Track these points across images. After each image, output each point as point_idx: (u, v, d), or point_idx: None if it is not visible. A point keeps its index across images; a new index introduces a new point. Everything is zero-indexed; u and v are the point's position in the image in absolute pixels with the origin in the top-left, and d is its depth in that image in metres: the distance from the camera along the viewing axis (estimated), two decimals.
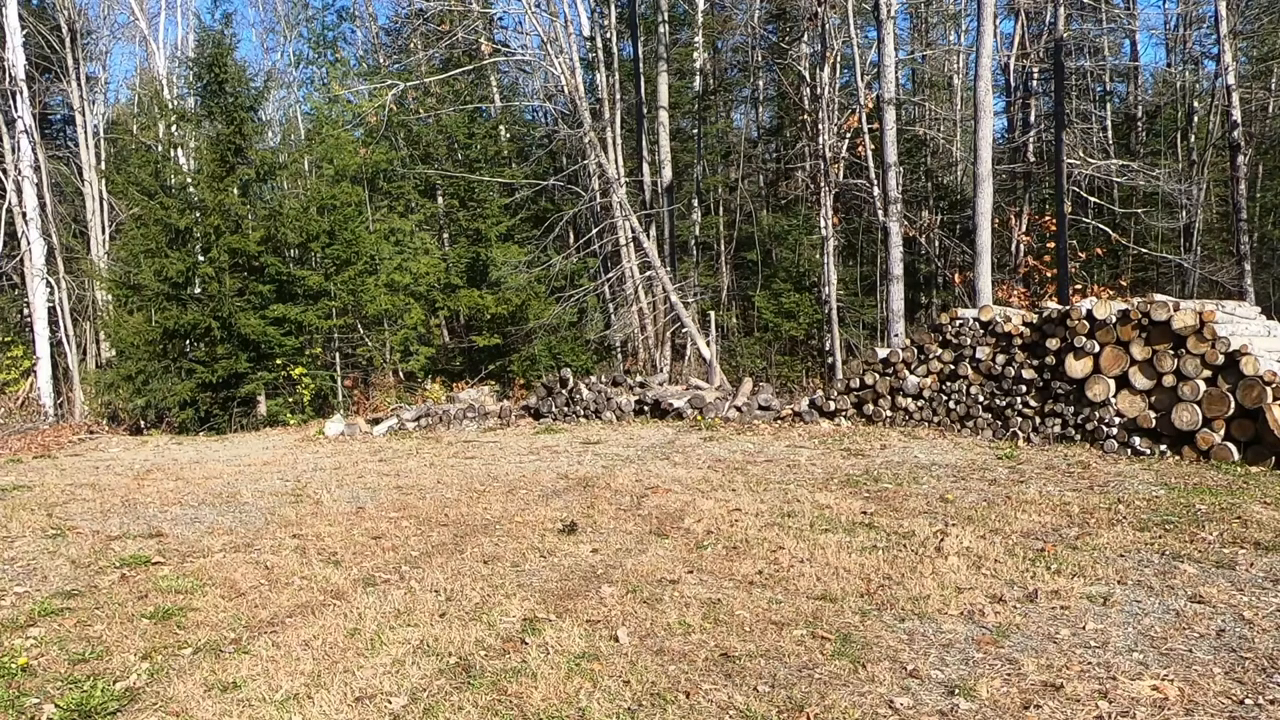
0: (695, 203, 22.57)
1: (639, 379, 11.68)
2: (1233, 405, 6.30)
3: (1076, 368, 7.23)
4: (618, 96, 18.33)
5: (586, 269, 19.18)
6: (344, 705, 2.82)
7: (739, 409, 9.75)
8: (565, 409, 11.00)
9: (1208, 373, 6.51)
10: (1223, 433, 6.38)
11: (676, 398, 10.33)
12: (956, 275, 18.19)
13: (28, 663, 3.23)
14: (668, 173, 18.91)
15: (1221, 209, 20.95)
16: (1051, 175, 17.95)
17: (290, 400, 14.19)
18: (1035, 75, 20.80)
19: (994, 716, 2.60)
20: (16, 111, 17.80)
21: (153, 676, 3.10)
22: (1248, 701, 2.63)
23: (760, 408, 9.73)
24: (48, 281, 18.22)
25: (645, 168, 17.91)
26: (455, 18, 18.27)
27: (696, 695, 2.79)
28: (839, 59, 16.71)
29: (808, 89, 17.44)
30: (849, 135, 16.52)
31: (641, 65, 17.24)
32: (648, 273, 16.30)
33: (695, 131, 22.74)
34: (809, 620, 3.39)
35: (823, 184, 15.50)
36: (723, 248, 22.22)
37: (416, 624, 3.52)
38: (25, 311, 19.66)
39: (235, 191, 13.92)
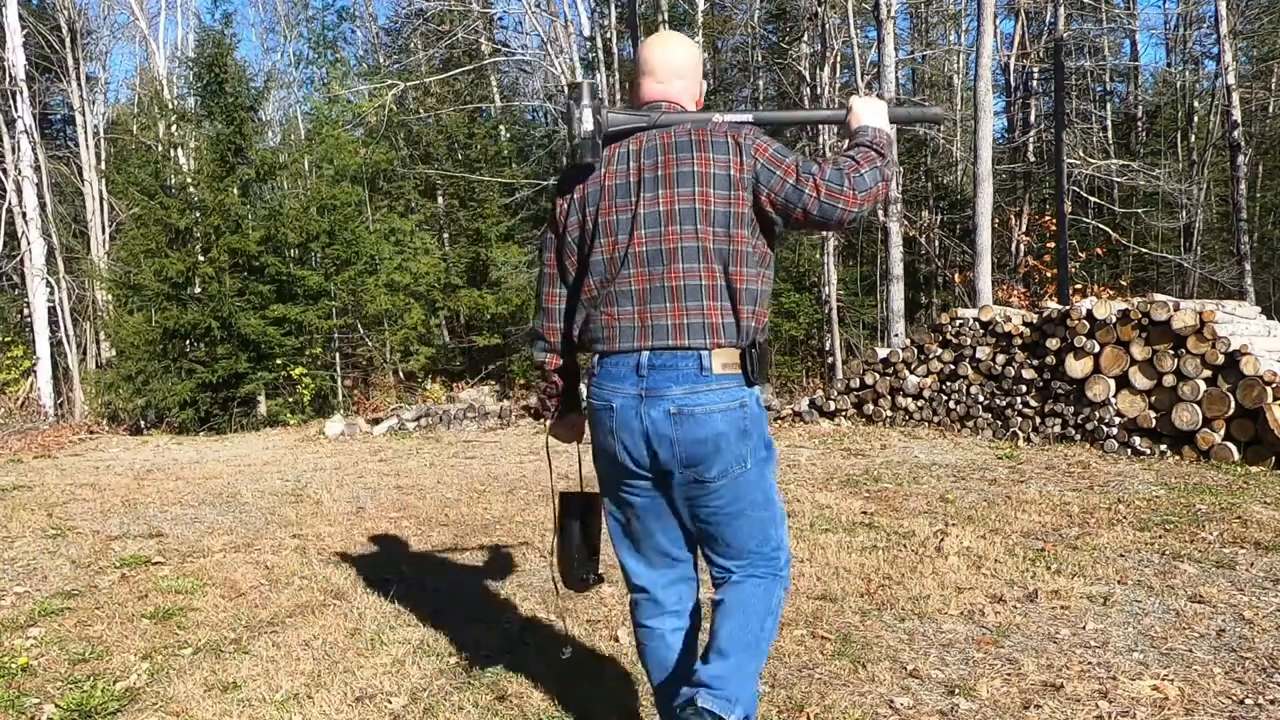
0: None
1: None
2: (1233, 405, 6.31)
3: (1076, 368, 7.23)
4: (618, 97, 18.32)
5: None
6: (344, 705, 2.82)
7: None
8: None
9: (1208, 373, 6.51)
10: (1223, 433, 6.38)
11: None
12: (956, 275, 18.19)
13: (28, 663, 3.23)
14: None
15: (1221, 209, 20.95)
16: (1051, 175, 17.95)
17: (290, 400, 14.19)
18: (1035, 75, 20.80)
19: (994, 716, 2.61)
20: (16, 111, 17.80)
21: (153, 676, 3.10)
22: (1248, 701, 2.64)
23: None
24: (48, 281, 18.22)
25: None
26: (455, 18, 18.27)
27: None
28: (839, 59, 16.71)
29: (808, 89, 17.44)
30: None
31: None
32: None
33: None
34: (809, 620, 3.39)
35: None
36: None
37: (416, 624, 3.52)
38: (25, 311, 19.66)
39: (235, 191, 13.91)
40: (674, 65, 2.16)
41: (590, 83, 2.09)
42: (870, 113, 2.10)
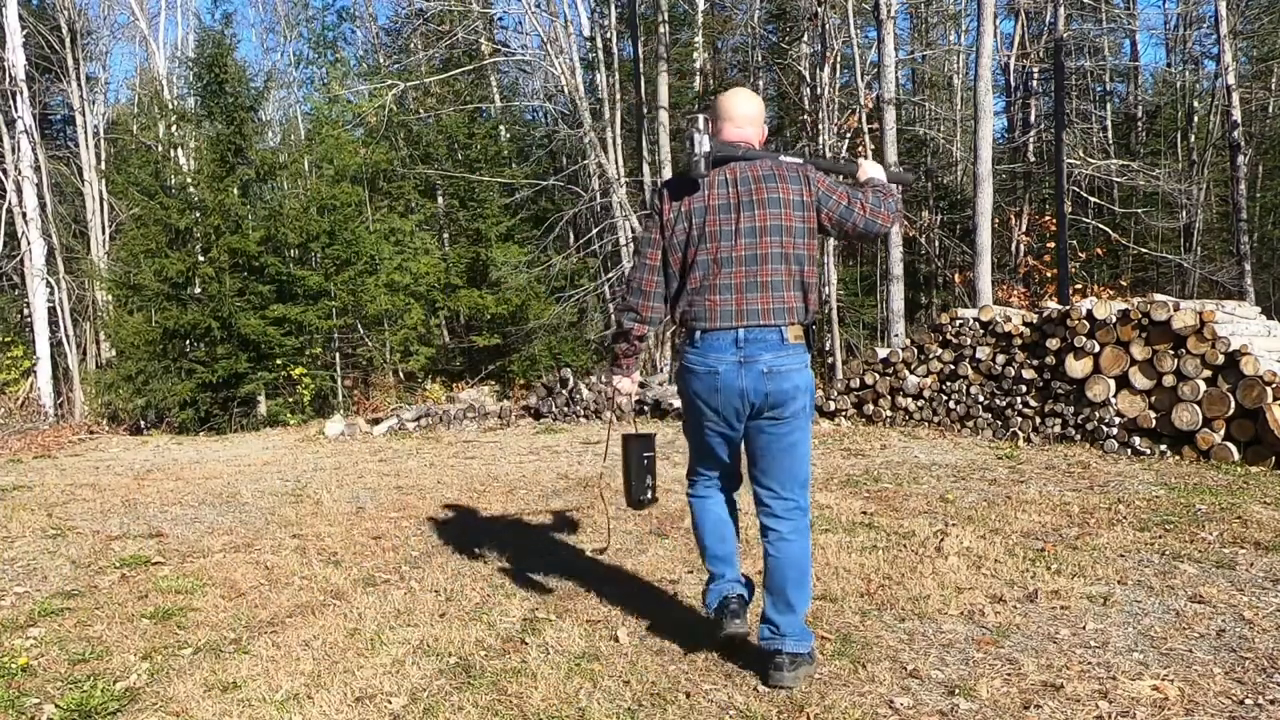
0: None
1: (639, 379, 11.68)
2: (1233, 405, 6.30)
3: (1076, 368, 7.23)
4: (618, 97, 18.32)
5: (586, 269, 19.17)
6: (344, 705, 2.82)
7: None
8: (565, 409, 11.00)
9: (1208, 373, 6.51)
10: (1223, 433, 6.38)
11: (677, 398, 10.33)
12: (956, 275, 18.18)
13: (28, 663, 3.23)
14: (668, 173, 18.90)
15: (1221, 209, 20.95)
16: (1051, 175, 17.95)
17: (290, 400, 14.19)
18: (1035, 75, 20.79)
19: (994, 716, 2.61)
20: (16, 112, 17.80)
21: (153, 676, 3.10)
22: (1248, 701, 2.63)
23: None
24: (48, 282, 18.23)
25: (645, 168, 17.90)
26: (455, 18, 18.27)
27: (697, 695, 2.79)
28: (839, 59, 16.70)
29: (808, 89, 17.44)
30: (849, 135, 16.50)
31: (641, 65, 17.23)
32: None
33: None
34: (809, 620, 3.38)
35: None
36: None
37: (417, 624, 3.52)
38: (25, 311, 19.66)
39: (235, 191, 13.91)
40: (748, 115, 2.95)
41: (705, 116, 2.85)
42: (875, 170, 3.05)
